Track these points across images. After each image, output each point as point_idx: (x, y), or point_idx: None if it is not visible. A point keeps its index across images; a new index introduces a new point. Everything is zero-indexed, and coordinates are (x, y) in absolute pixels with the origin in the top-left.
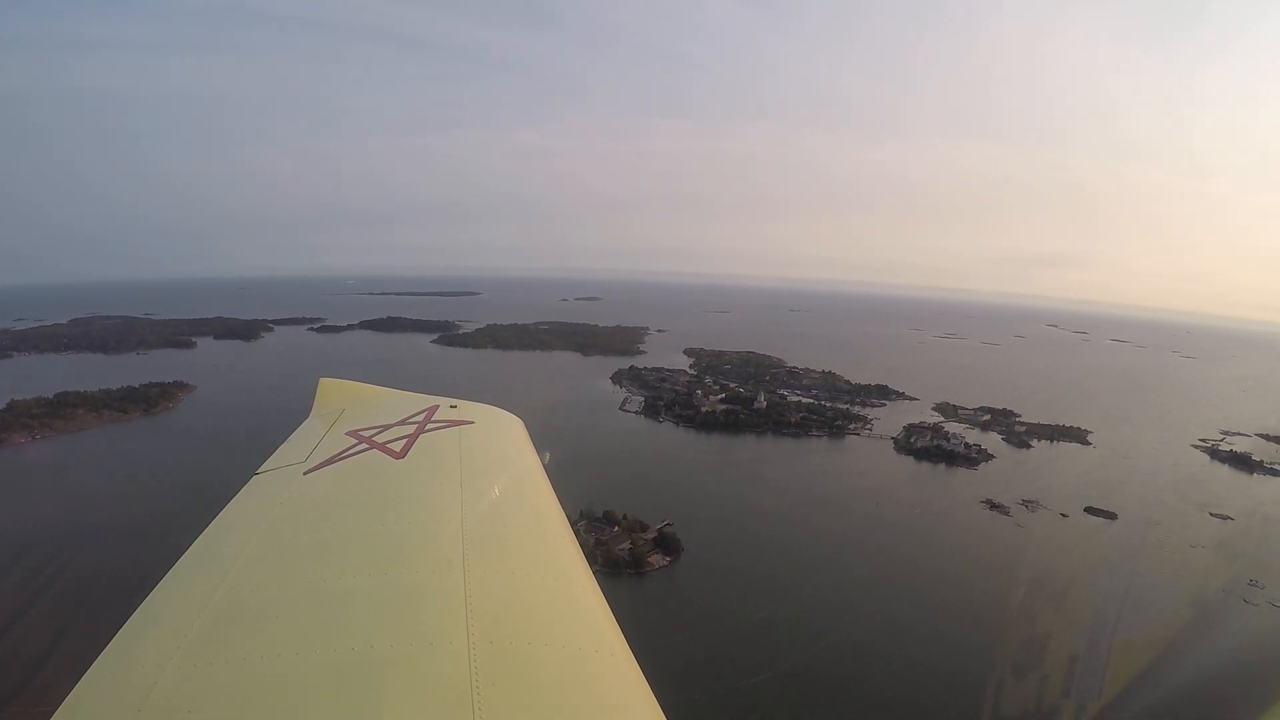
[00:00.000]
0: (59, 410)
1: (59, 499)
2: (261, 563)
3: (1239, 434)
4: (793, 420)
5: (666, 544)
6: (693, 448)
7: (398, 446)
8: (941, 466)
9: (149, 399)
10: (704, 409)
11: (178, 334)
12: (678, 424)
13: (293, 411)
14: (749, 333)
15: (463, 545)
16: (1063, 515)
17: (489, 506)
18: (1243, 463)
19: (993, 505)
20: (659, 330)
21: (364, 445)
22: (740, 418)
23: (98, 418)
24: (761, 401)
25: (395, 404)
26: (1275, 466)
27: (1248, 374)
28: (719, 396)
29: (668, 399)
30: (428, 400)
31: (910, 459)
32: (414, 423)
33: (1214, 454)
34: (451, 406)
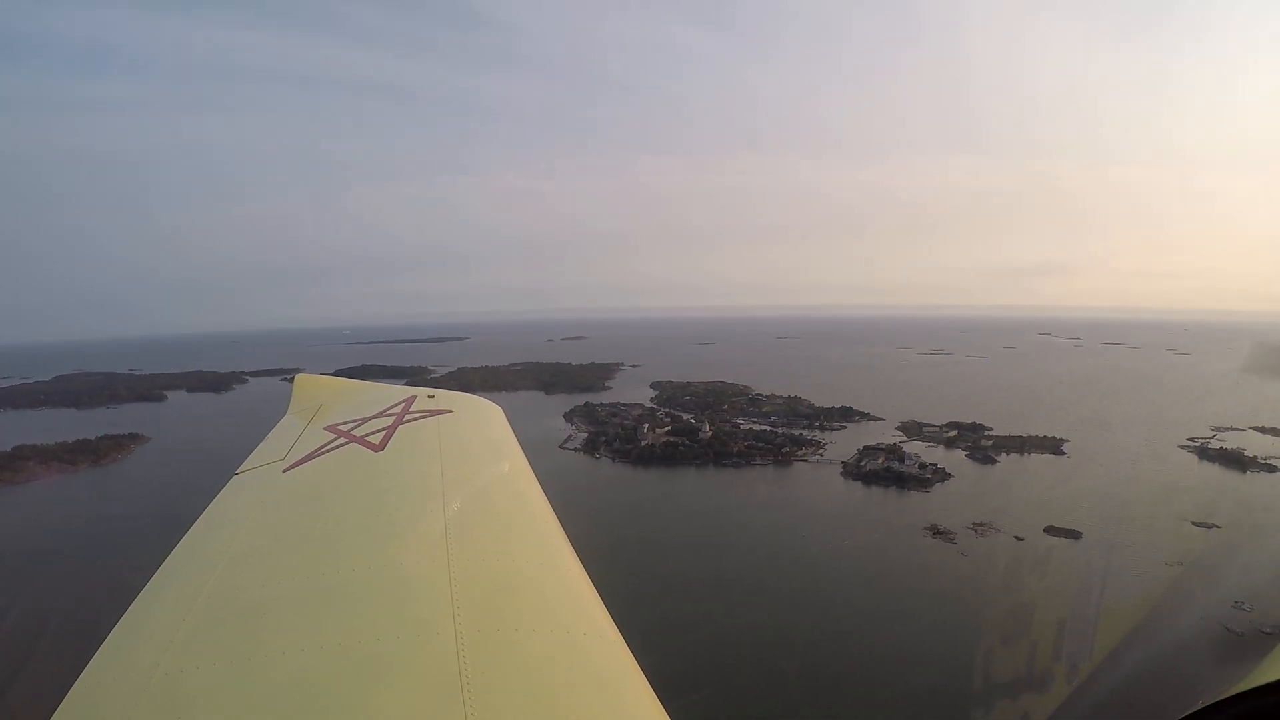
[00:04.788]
0: (10, 463)
1: None
2: (245, 562)
3: (1232, 429)
4: (735, 450)
5: None
6: (616, 484)
7: (377, 439)
8: (892, 490)
9: (99, 451)
10: (644, 443)
11: (153, 388)
12: (615, 459)
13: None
14: (727, 363)
15: (445, 534)
16: (1017, 538)
17: (470, 494)
18: (1234, 461)
19: (936, 532)
20: (633, 365)
21: (342, 439)
22: (680, 450)
23: (46, 469)
24: (706, 431)
25: (373, 397)
26: (1270, 462)
27: (1242, 366)
28: (665, 429)
29: (610, 434)
30: (405, 392)
31: (858, 484)
32: (392, 414)
33: (1203, 453)
34: (429, 397)
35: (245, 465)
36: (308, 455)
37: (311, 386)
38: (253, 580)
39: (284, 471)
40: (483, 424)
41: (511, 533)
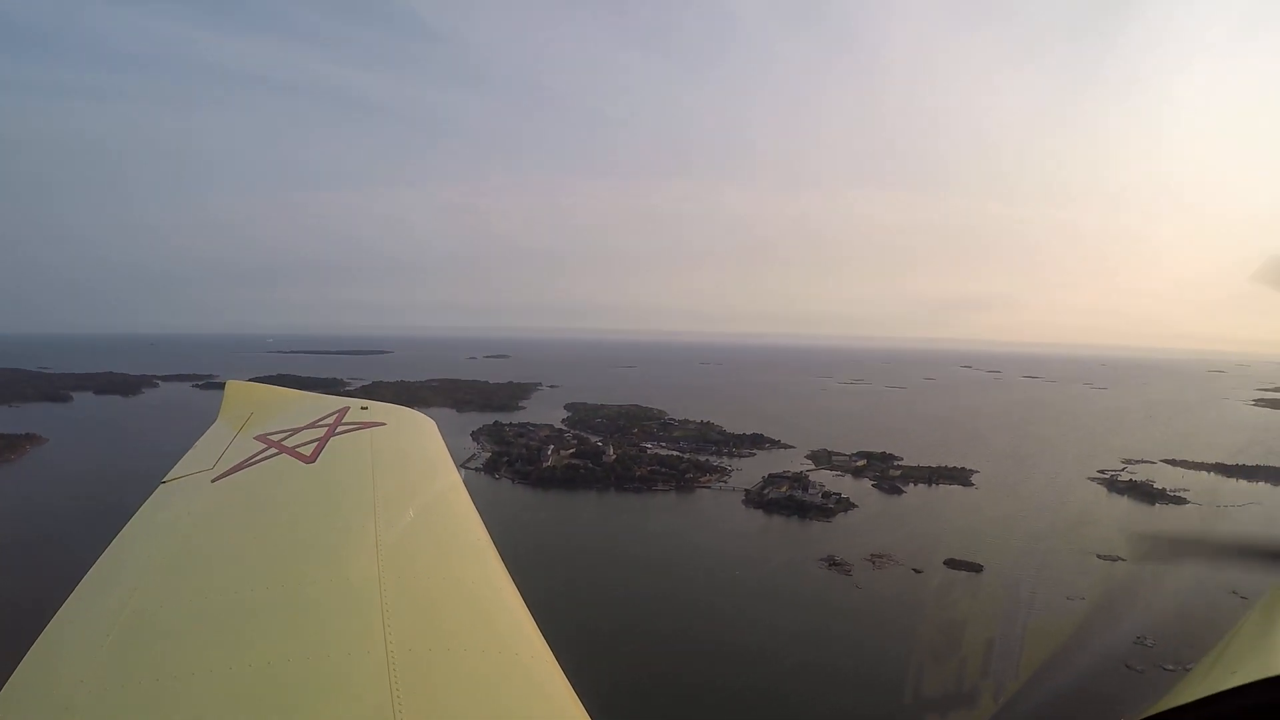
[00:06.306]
0: None
1: None
2: (172, 575)
3: (1142, 461)
4: (638, 474)
5: None
6: (507, 508)
7: (308, 450)
8: (794, 520)
9: None
10: (546, 464)
11: (59, 387)
12: (514, 480)
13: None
14: (646, 386)
15: (376, 550)
16: (916, 571)
17: (402, 509)
18: (1143, 493)
19: (833, 563)
20: (551, 386)
21: (273, 450)
22: (581, 473)
23: None
24: (610, 455)
25: (305, 407)
26: (1178, 494)
27: (1156, 400)
28: (570, 451)
29: (514, 455)
30: (338, 402)
31: (759, 513)
32: (324, 425)
33: (1112, 486)
34: (362, 408)
35: (173, 473)
36: (237, 465)
37: (242, 394)
38: (180, 595)
39: (213, 481)
40: (415, 437)
41: (443, 548)
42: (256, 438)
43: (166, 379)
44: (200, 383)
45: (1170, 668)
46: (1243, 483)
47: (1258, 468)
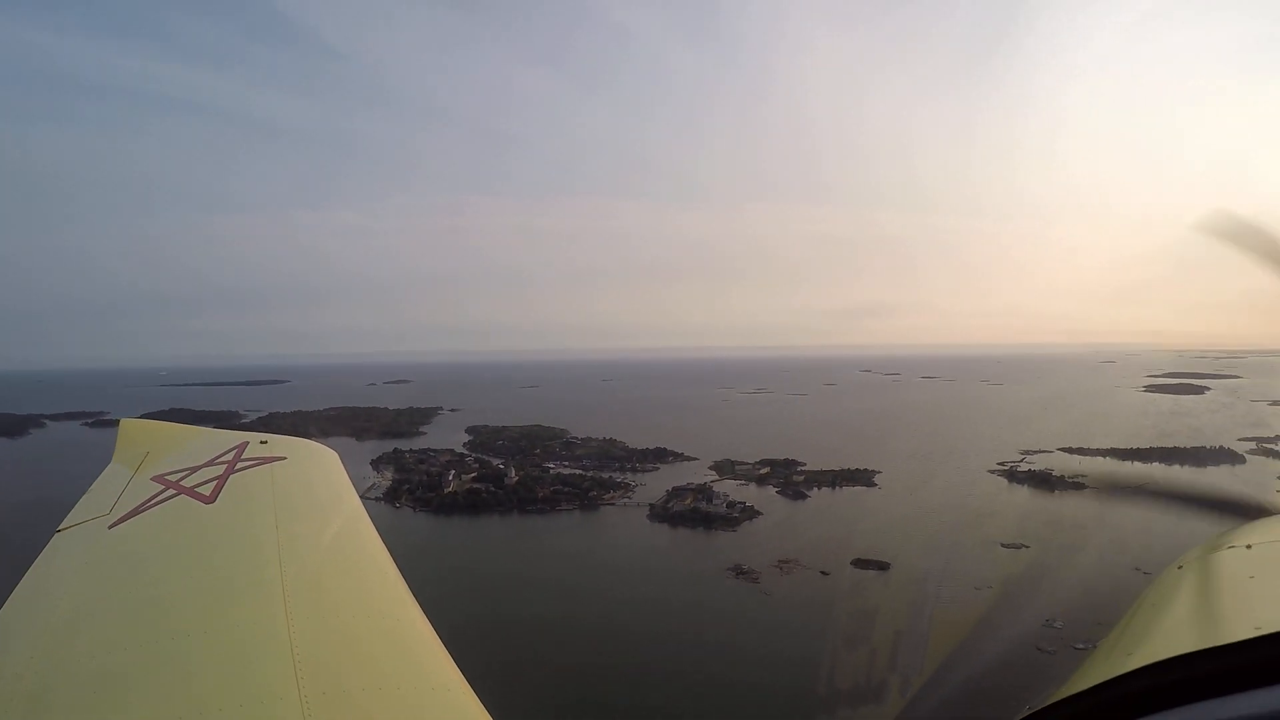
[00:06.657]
0: None
1: None
2: (72, 630)
3: (1040, 451)
4: (541, 495)
5: None
6: (409, 537)
7: (207, 490)
8: (699, 531)
9: None
10: (447, 490)
11: None
12: (415, 508)
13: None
14: (548, 406)
15: (283, 591)
16: (823, 574)
17: (307, 547)
18: (1043, 482)
19: (740, 572)
20: (452, 410)
21: (171, 490)
22: (483, 497)
23: None
24: (513, 477)
25: (203, 444)
26: (1076, 480)
27: (1050, 393)
28: (471, 475)
29: (414, 482)
30: (237, 437)
31: (665, 526)
32: (223, 462)
33: (1012, 477)
34: (262, 442)
35: (68, 521)
36: (135, 509)
37: (138, 432)
38: (81, 650)
39: (110, 528)
40: (317, 470)
41: (353, 587)
42: (154, 478)
43: (55, 418)
44: (90, 420)
45: (1080, 646)
46: (1138, 465)
47: (1151, 449)
